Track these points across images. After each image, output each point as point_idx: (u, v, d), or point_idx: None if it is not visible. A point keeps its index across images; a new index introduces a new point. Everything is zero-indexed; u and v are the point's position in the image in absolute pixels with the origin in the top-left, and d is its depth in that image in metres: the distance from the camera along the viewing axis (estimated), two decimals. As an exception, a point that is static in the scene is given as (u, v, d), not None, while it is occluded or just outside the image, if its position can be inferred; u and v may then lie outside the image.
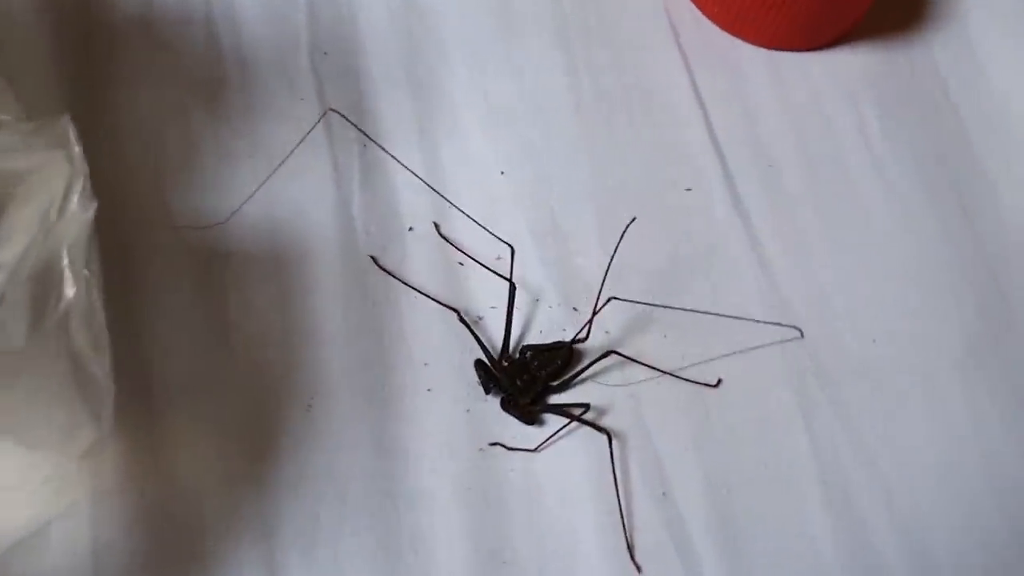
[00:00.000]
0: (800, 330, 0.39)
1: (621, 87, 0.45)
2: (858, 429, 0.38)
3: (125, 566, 0.33)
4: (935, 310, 0.41)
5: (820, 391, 0.39)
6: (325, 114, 0.41)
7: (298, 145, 0.40)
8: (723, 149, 0.44)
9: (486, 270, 0.40)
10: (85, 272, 0.30)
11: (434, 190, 0.40)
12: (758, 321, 0.39)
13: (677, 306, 0.39)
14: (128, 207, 0.39)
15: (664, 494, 0.36)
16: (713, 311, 0.39)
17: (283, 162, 0.40)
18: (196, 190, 0.40)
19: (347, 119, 0.41)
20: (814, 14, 0.45)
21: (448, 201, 0.40)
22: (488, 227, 0.40)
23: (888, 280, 0.41)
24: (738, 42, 0.47)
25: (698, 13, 0.47)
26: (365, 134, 0.41)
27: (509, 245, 0.39)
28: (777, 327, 0.39)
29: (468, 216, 0.39)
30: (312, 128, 0.41)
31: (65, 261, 0.28)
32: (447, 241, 0.41)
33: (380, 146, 0.41)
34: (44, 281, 0.27)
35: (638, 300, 0.38)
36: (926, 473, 0.38)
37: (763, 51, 0.47)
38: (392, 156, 0.40)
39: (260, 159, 0.41)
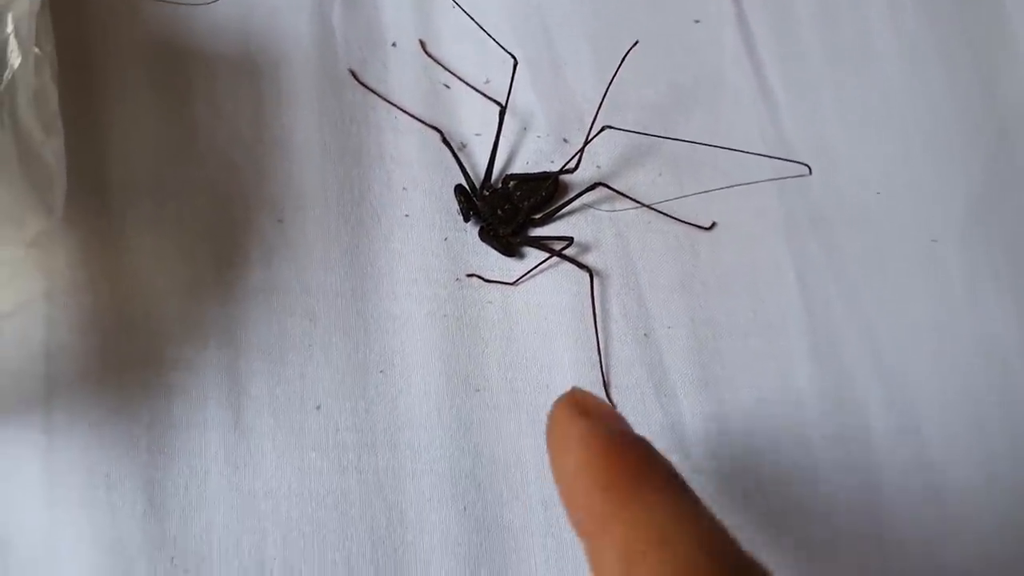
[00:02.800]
0: (809, 167, 0.37)
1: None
2: (852, 282, 0.37)
3: (79, 369, 0.31)
4: (941, 164, 0.39)
5: (816, 240, 0.37)
6: None
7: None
8: (736, -20, 0.41)
9: (473, 94, 0.37)
10: (36, 50, 0.27)
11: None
12: (762, 155, 0.37)
13: (674, 136, 0.36)
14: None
15: (646, 335, 0.35)
16: (705, 143, 0.37)
17: None
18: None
19: None
20: None
21: (457, 3, 0.36)
22: (478, 47, 0.37)
23: (895, 130, 0.39)
24: None
25: None
26: None
27: (512, 56, 0.36)
28: (779, 167, 0.37)
29: (471, 18, 0.36)
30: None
31: (9, 28, 0.26)
32: (433, 60, 0.38)
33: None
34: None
35: (634, 130, 0.36)
36: (916, 330, 0.36)
37: None
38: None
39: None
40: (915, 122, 0.39)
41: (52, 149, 0.27)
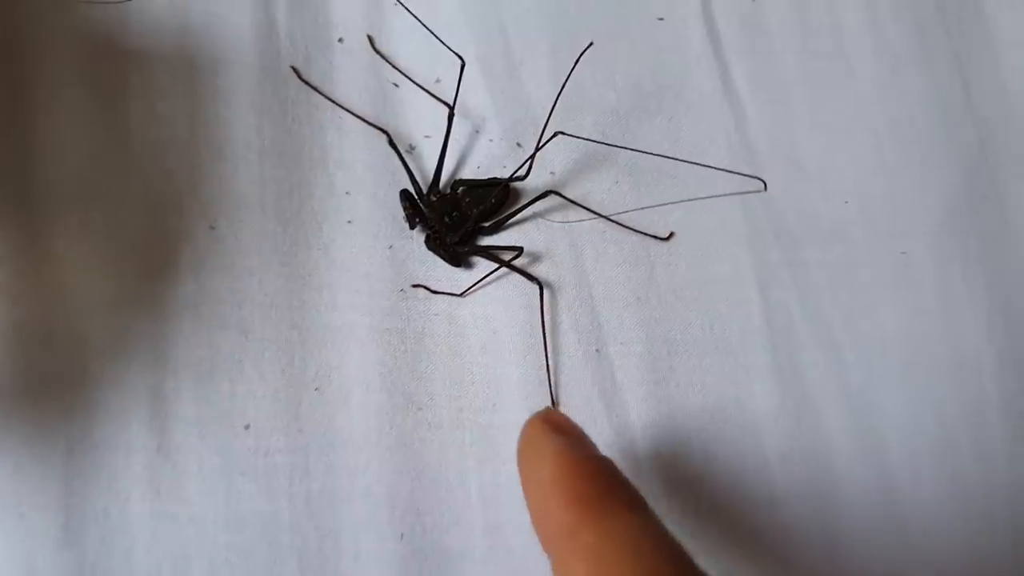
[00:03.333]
0: (764, 182, 0.35)
1: None
2: (817, 296, 0.35)
3: (-5, 385, 0.30)
4: (916, 173, 0.37)
5: (780, 253, 0.35)
6: None
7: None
8: (703, -23, 0.39)
9: (423, 94, 0.36)
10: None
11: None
12: (719, 169, 0.35)
13: (631, 147, 0.35)
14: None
15: (598, 351, 0.33)
16: (672, 155, 0.35)
17: None
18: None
19: None
20: None
21: (407, 9, 0.34)
22: (429, 45, 0.35)
23: (868, 136, 0.38)
24: None
25: None
26: None
27: (459, 56, 0.34)
28: (739, 179, 0.36)
29: (413, 15, 0.34)
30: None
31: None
32: (381, 57, 0.36)
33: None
34: None
35: (588, 137, 0.34)
36: (884, 346, 0.35)
37: None
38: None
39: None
40: (890, 130, 0.38)
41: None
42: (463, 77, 0.34)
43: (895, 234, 0.36)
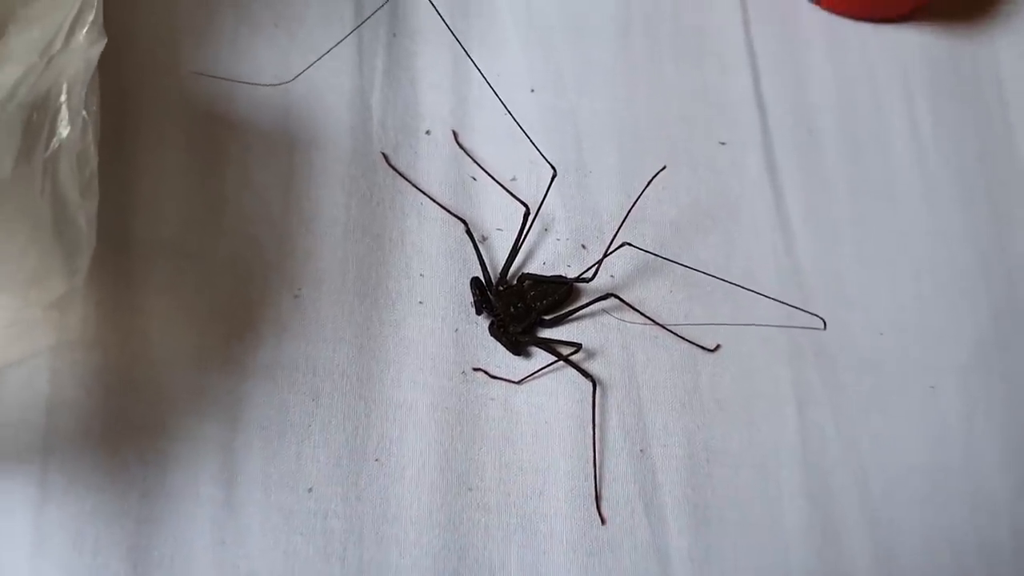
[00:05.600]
0: (824, 321, 0.37)
1: (672, 23, 0.42)
2: (849, 421, 0.37)
3: (79, 428, 0.31)
4: (948, 310, 0.40)
5: (818, 375, 0.37)
6: None
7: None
8: (766, 108, 0.42)
9: (499, 189, 0.38)
10: (83, 114, 0.28)
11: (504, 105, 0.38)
12: (778, 301, 0.37)
13: (691, 265, 0.37)
14: (134, 52, 0.37)
15: (642, 451, 0.35)
16: (728, 275, 0.37)
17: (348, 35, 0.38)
18: (211, 47, 0.38)
19: (435, 7, 0.38)
20: (883, -15, 0.43)
21: (506, 108, 0.37)
22: (509, 144, 0.38)
23: (907, 272, 0.40)
24: (801, 0, 0.44)
25: (765, -39, 0.45)
26: (448, 26, 0.38)
27: (552, 166, 0.37)
28: (789, 300, 0.38)
29: (520, 127, 0.37)
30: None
31: (63, 97, 0.26)
32: (464, 151, 0.39)
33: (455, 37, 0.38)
34: (39, 114, 0.25)
35: (652, 251, 0.37)
36: (908, 477, 0.37)
37: (824, 15, 0.44)
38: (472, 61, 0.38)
39: (282, 29, 0.39)
40: (929, 265, 0.40)
41: (85, 213, 0.28)
42: (528, 184, 0.37)
43: (925, 368, 0.38)
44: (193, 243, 0.35)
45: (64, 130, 0.26)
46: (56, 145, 0.26)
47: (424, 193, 0.37)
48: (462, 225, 0.37)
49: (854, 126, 0.42)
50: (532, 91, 0.40)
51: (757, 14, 0.43)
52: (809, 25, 0.44)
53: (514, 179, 0.38)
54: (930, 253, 0.41)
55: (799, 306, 0.37)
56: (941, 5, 0.45)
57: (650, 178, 0.36)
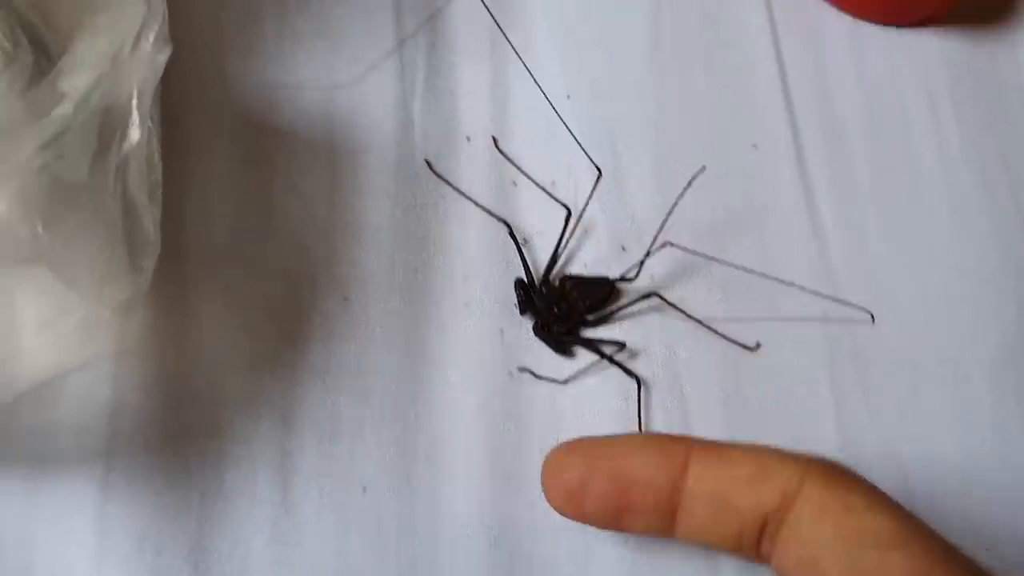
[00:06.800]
0: (872, 315, 0.38)
1: (702, 33, 0.43)
2: (887, 421, 0.37)
3: (139, 430, 0.32)
4: (978, 308, 0.40)
5: (854, 375, 0.38)
6: None
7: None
8: (795, 113, 0.42)
9: (538, 193, 0.39)
10: (149, 122, 0.28)
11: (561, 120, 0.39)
12: (826, 296, 0.38)
13: (733, 262, 0.38)
14: (182, 63, 0.37)
15: (687, 448, 0.36)
16: (761, 271, 0.38)
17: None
18: (256, 58, 0.39)
19: (487, 8, 0.39)
20: (905, -9, 0.44)
21: (552, 107, 0.38)
22: (547, 149, 0.39)
23: (937, 273, 0.41)
24: (825, 7, 0.45)
25: (790, -30, 0.46)
26: (500, 28, 0.39)
27: (598, 168, 0.38)
28: (825, 302, 0.38)
29: (569, 130, 0.38)
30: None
31: (134, 102, 0.27)
32: (504, 156, 0.39)
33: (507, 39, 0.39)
34: (111, 119, 0.26)
35: (692, 250, 0.38)
36: (946, 477, 0.37)
37: (848, 20, 0.45)
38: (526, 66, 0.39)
39: (325, 40, 0.40)
40: (957, 265, 0.41)
41: (152, 216, 0.28)
42: (568, 187, 0.38)
43: (959, 365, 0.39)
44: (244, 250, 0.35)
45: (135, 135, 0.27)
46: (127, 149, 0.27)
47: (467, 197, 0.38)
48: (505, 228, 0.38)
49: (881, 130, 0.43)
50: (568, 97, 0.41)
51: (783, 23, 0.44)
52: (834, 32, 0.45)
53: (553, 183, 0.39)
54: (957, 253, 0.41)
55: (844, 300, 0.38)
56: (964, 10, 0.46)
57: (690, 179, 0.36)
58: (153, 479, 0.32)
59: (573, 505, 0.28)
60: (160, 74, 0.28)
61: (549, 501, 0.29)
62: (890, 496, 0.27)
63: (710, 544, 0.28)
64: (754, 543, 0.28)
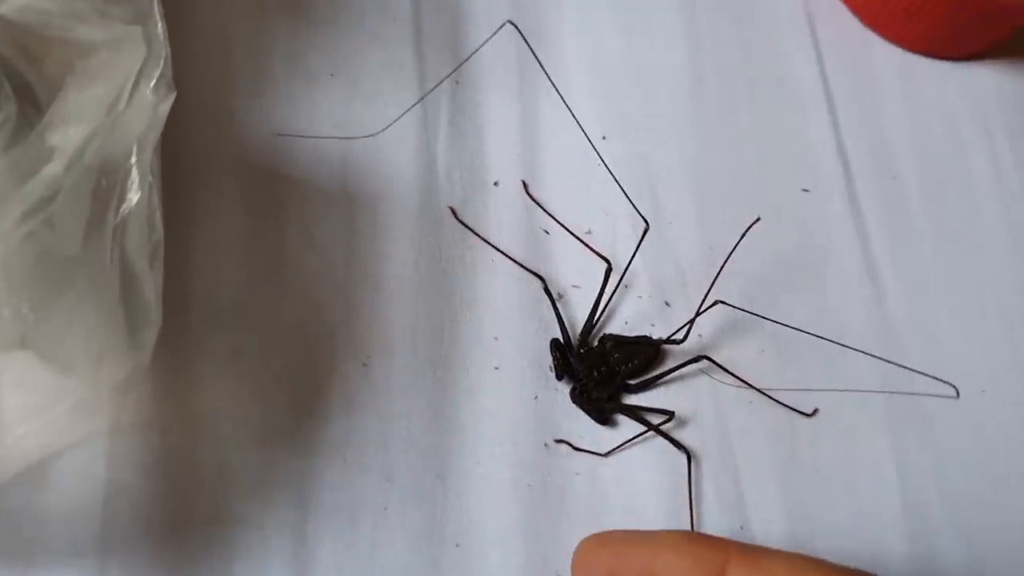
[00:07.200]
0: (957, 389, 0.35)
1: (745, 68, 0.40)
2: (953, 486, 0.34)
3: (137, 515, 0.28)
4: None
5: (918, 438, 0.35)
6: (503, 26, 0.36)
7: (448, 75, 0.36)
8: (847, 152, 0.40)
9: (573, 243, 0.36)
10: (150, 178, 0.25)
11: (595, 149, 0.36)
12: (903, 367, 0.35)
13: (785, 321, 0.34)
14: (185, 107, 0.34)
15: (742, 527, 0.32)
16: (820, 330, 0.35)
17: (441, 82, 0.37)
18: (268, 100, 0.35)
19: (524, 38, 0.36)
20: (958, 25, 0.41)
21: (598, 154, 0.35)
22: (581, 194, 0.36)
23: (1004, 329, 0.38)
24: (873, 39, 0.43)
25: (835, 1, 0.43)
26: (537, 58, 0.36)
27: (645, 220, 0.34)
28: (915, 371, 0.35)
29: (615, 179, 0.35)
30: (487, 40, 0.37)
31: (133, 159, 0.23)
32: (535, 203, 0.36)
33: (547, 75, 0.36)
34: (108, 178, 0.23)
35: (747, 309, 0.34)
36: (1020, 542, 0.34)
37: (898, 53, 0.42)
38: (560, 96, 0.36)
39: (340, 78, 0.37)
40: (1021, 315, 0.38)
41: (153, 284, 0.25)
42: (642, 238, 0.34)
43: (1029, 427, 0.36)
44: (254, 309, 0.32)
45: (134, 195, 0.23)
46: (126, 211, 0.23)
47: (496, 248, 0.35)
48: (538, 282, 0.34)
49: (937, 170, 0.40)
50: (604, 139, 0.38)
51: (831, 57, 0.41)
52: (884, 66, 0.42)
53: (589, 232, 0.36)
54: (1021, 301, 0.38)
55: (918, 370, 0.35)
56: (1016, 42, 0.43)
57: (744, 229, 0.33)
58: (153, 571, 0.28)
59: None
60: (163, 124, 0.25)
61: None
62: None
63: None
64: None
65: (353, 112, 0.36)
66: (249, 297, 0.32)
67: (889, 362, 0.35)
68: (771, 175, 0.39)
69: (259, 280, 0.33)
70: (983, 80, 0.43)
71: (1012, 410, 0.36)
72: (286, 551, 0.29)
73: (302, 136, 0.35)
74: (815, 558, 0.24)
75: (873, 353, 0.35)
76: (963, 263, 0.39)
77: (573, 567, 0.27)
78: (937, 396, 0.35)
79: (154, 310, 0.25)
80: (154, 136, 0.25)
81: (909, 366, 0.35)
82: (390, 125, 0.35)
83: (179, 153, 0.33)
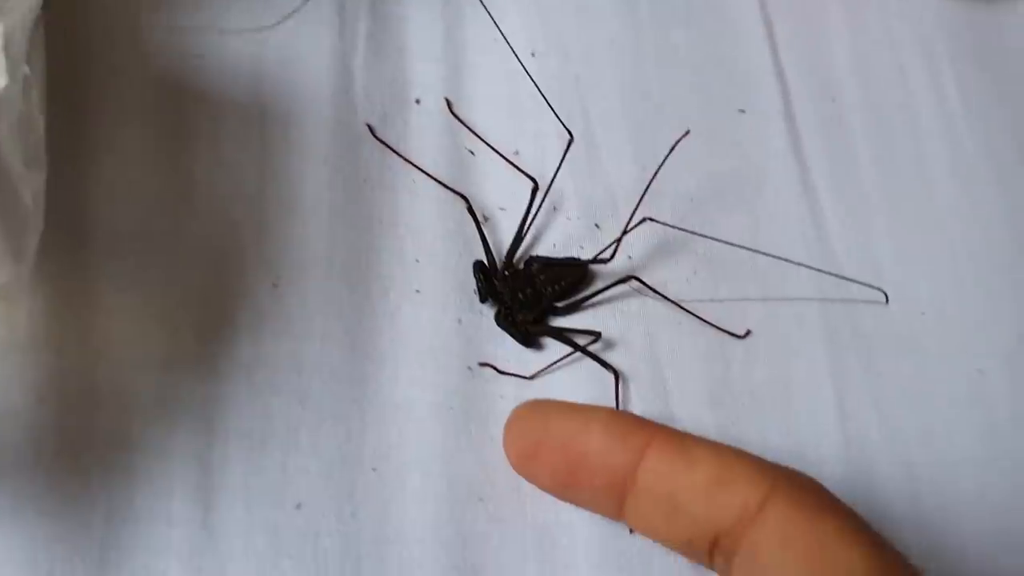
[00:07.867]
0: (886, 294, 0.34)
1: (679, -12, 0.39)
2: (892, 409, 0.34)
3: (31, 439, 0.27)
4: (990, 293, 0.36)
5: (856, 359, 0.34)
6: None
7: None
8: (786, 74, 0.38)
9: (500, 164, 0.34)
10: (25, 69, 0.23)
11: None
12: (835, 275, 0.34)
13: (717, 237, 0.33)
14: (89, 14, 0.32)
15: (671, 449, 0.31)
16: (758, 249, 0.34)
17: None
18: (172, 4, 0.33)
19: None
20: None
21: (525, 70, 0.34)
22: (508, 113, 0.34)
23: (944, 251, 0.37)
24: (815, -39, 0.41)
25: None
26: None
27: (569, 131, 0.33)
28: (822, 282, 0.34)
29: (536, 85, 0.33)
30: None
31: (0, 41, 0.22)
32: (460, 121, 0.35)
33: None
34: (-33, 62, 0.21)
35: (677, 226, 0.33)
36: (957, 470, 0.33)
37: (840, -25, 0.41)
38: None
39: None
40: (965, 243, 0.37)
41: (31, 186, 0.23)
42: (566, 151, 0.33)
43: (970, 351, 0.35)
44: (159, 228, 0.30)
45: (1, 80, 0.21)
46: (-9, 102, 0.21)
47: (418, 168, 0.33)
48: (462, 203, 0.33)
49: (878, 96, 0.39)
50: (533, 55, 0.36)
51: (770, -26, 0.40)
52: (825, -13, 0.41)
53: (516, 152, 0.35)
54: (965, 232, 0.38)
55: (849, 278, 0.34)
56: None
57: (672, 145, 0.32)
58: (47, 500, 0.27)
59: (525, 468, 0.27)
60: (35, 15, 0.23)
61: (507, 458, 0.27)
62: (866, 521, 0.24)
63: (658, 541, 0.26)
64: (705, 553, 0.24)
65: (264, 18, 0.34)
66: (153, 217, 0.30)
67: (823, 272, 0.34)
68: (707, 96, 0.37)
69: (165, 200, 0.31)
70: (927, 8, 0.42)
71: (950, 331, 0.35)
72: (190, 478, 0.28)
73: (205, 37, 0.33)
74: (739, 449, 0.24)
75: (807, 264, 0.34)
76: (903, 186, 0.38)
77: (505, 430, 0.27)
78: (870, 302, 0.34)
79: (33, 215, 0.23)
80: (25, 25, 0.23)
81: (843, 275, 0.34)
82: (292, 14, 0.33)
83: (78, 61, 0.31)
